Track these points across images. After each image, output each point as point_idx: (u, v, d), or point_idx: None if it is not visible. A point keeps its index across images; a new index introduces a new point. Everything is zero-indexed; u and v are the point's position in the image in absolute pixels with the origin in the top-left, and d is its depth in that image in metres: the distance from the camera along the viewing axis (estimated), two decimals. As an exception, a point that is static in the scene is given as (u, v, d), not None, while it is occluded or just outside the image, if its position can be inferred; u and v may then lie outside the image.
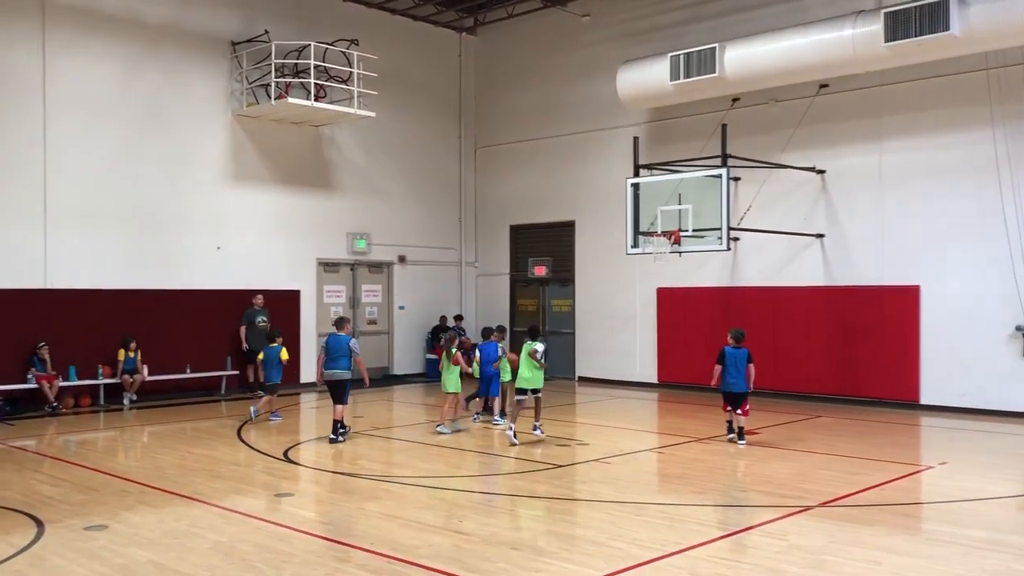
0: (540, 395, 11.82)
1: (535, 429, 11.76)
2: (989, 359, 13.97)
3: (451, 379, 12.55)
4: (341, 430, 11.82)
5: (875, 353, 15.12)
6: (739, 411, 11.38)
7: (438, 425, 12.46)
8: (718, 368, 11.56)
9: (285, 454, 10.88)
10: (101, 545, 6.90)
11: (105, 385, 15.29)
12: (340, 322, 12.50)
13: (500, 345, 13.26)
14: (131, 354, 15.35)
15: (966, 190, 14.26)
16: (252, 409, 13.56)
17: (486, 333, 13.71)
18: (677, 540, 6.95)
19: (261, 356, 14.11)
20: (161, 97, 16.28)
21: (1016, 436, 12.32)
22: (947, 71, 14.23)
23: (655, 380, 17.84)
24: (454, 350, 12.60)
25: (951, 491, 8.86)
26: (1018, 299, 13.65)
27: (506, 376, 13.04)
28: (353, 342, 12.08)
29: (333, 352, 11.97)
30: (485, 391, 13.34)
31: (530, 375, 11.59)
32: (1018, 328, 13.68)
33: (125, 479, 9.39)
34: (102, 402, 15.23)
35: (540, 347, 11.65)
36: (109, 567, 6.34)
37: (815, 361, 15.79)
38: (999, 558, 6.51)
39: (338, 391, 11.94)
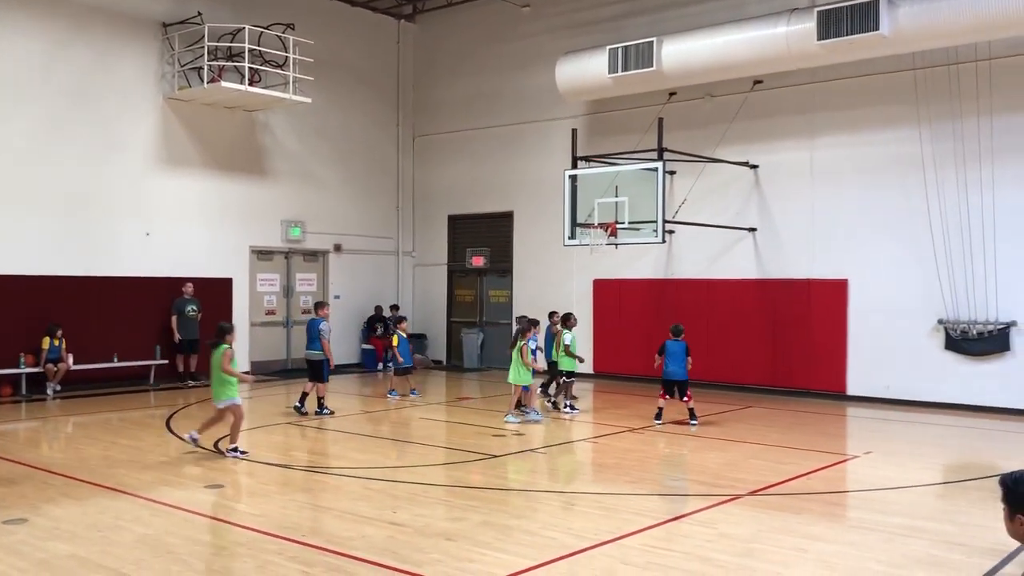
0: (569, 379, 13.40)
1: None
2: (912, 352, 14.41)
3: (521, 371, 12.44)
4: (326, 410, 12.91)
5: (804, 345, 15.48)
6: (684, 398, 12.23)
7: (528, 412, 12.52)
8: (659, 358, 12.40)
9: (216, 445, 10.66)
10: (20, 539, 6.68)
11: (27, 374, 14.79)
12: (316, 306, 13.58)
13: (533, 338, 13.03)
14: (56, 342, 14.88)
15: (893, 187, 14.66)
16: (393, 394, 14.93)
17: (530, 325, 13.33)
18: (610, 529, 7.01)
19: (396, 341, 14.72)
20: (88, 78, 15.77)
21: (937, 426, 12.74)
22: (877, 70, 14.60)
23: (591, 370, 17.96)
24: (521, 343, 12.49)
25: (874, 480, 9.11)
26: (940, 294, 14.10)
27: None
28: (323, 324, 12.96)
29: (308, 334, 13.14)
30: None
31: (569, 361, 13.25)
32: (940, 322, 14.14)
33: (47, 471, 9.10)
34: (24, 392, 14.72)
35: (568, 337, 13.26)
36: (28, 562, 6.14)
37: (747, 352, 16.08)
38: (919, 544, 6.72)
39: (314, 371, 12.96)
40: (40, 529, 6.96)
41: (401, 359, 14.66)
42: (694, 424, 12.06)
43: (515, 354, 12.52)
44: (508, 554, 6.36)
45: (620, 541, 6.69)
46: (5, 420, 12.91)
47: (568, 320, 13.61)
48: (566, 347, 13.28)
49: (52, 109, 15.31)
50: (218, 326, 10.26)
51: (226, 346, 9.87)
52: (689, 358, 12.24)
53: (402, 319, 15.40)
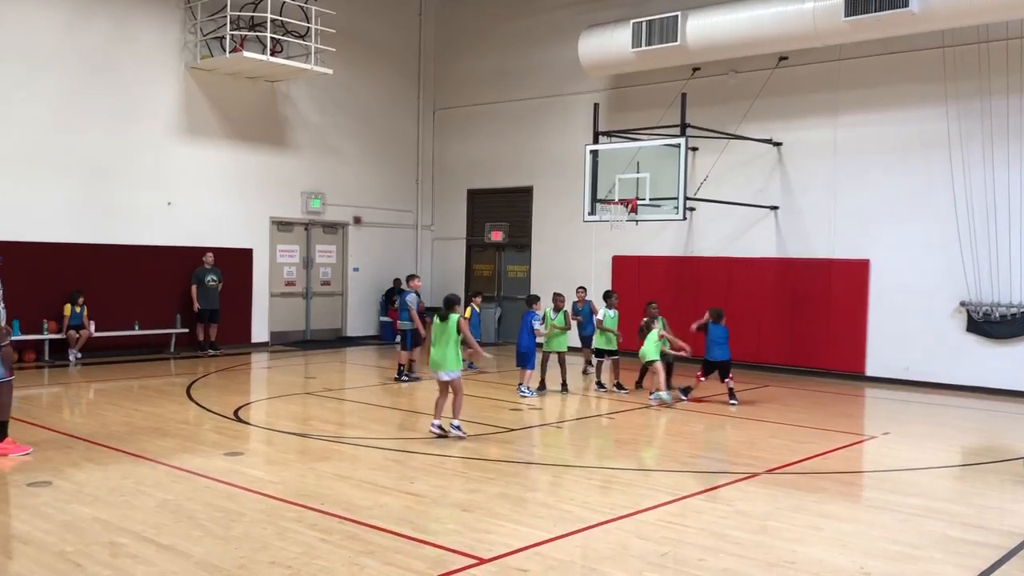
0: (609, 358, 13.31)
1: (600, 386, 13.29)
2: (933, 334, 14.31)
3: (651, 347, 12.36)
4: (403, 377, 13.57)
5: (824, 325, 15.39)
6: (728, 378, 12.23)
7: (651, 394, 12.25)
8: (695, 330, 12.55)
9: (235, 413, 10.78)
10: (44, 501, 6.79)
11: (50, 340, 14.97)
12: (408, 279, 14.20)
13: (539, 314, 12.85)
14: (77, 309, 15.04)
15: (918, 167, 14.50)
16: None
17: (530, 301, 13.05)
18: (626, 504, 7.04)
19: (468, 313, 14.79)
20: (110, 46, 15.81)
21: (956, 408, 12.67)
22: (904, 48, 14.40)
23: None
24: (658, 330, 12.41)
25: (891, 460, 9.09)
26: (963, 275, 13.97)
27: (559, 345, 13.06)
28: (410, 296, 13.53)
29: (399, 306, 13.88)
30: (520, 364, 12.73)
31: (604, 340, 13.19)
32: (962, 304, 14.02)
33: (70, 435, 9.23)
34: (47, 358, 14.93)
35: (611, 313, 13.26)
36: (52, 523, 6.24)
37: (766, 331, 16.02)
38: (935, 525, 6.70)
39: (402, 340, 13.71)
40: (64, 492, 7.07)
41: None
42: (734, 404, 12.01)
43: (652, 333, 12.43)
44: (524, 526, 6.40)
45: (635, 516, 6.72)
46: (29, 385, 13.07)
47: (610, 299, 13.55)
48: (598, 322, 13.19)
49: (74, 77, 15.36)
50: (448, 298, 9.61)
51: (457, 316, 9.35)
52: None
53: (478, 294, 15.51)
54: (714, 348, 12.23)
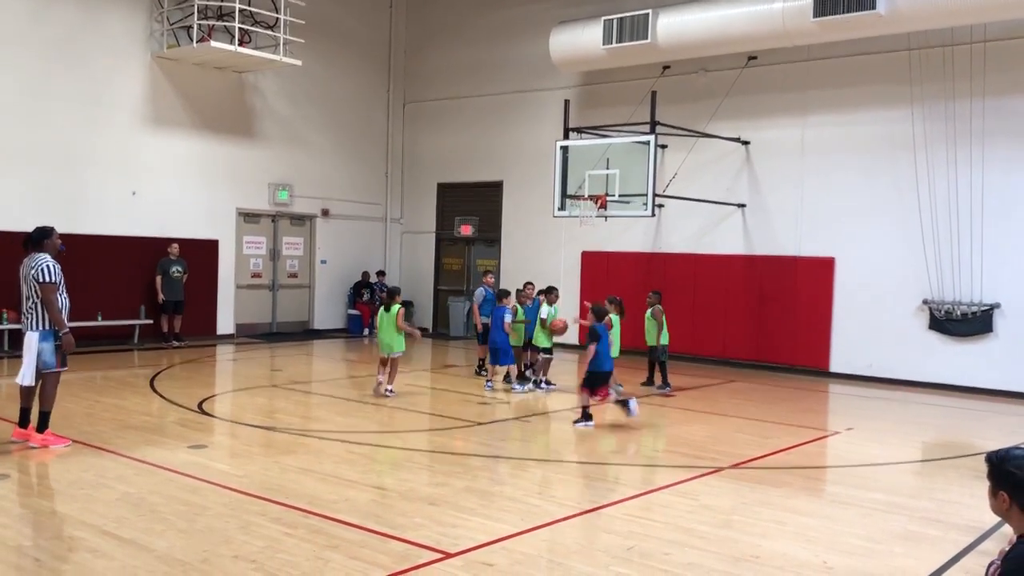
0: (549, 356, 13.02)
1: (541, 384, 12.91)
2: (896, 331, 14.51)
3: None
4: (483, 371, 13.67)
5: (789, 322, 15.56)
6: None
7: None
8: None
9: (200, 406, 10.66)
10: (2, 494, 6.66)
11: (10, 331, 14.70)
12: (483, 274, 15.02)
13: (510, 309, 12.72)
14: (38, 300, 14.77)
15: (883, 167, 14.68)
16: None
17: (501, 296, 12.90)
18: (592, 498, 7.07)
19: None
20: (76, 34, 15.53)
21: (918, 404, 12.86)
22: (871, 49, 14.56)
23: (576, 342, 18.02)
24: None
25: (855, 456, 9.20)
26: (926, 274, 14.18)
27: (517, 341, 12.93)
28: (477, 292, 14.05)
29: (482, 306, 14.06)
30: (496, 360, 12.60)
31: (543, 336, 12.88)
32: (925, 302, 14.23)
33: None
34: (6, 348, 14.66)
35: (546, 311, 12.87)
36: (9, 517, 6.13)
37: (732, 327, 16.15)
38: (897, 520, 6.80)
39: (482, 335, 13.84)
40: (23, 485, 6.95)
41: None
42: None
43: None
44: (491, 520, 6.40)
45: (601, 510, 6.75)
46: (-13, 376, 12.85)
47: (551, 294, 13.18)
48: (542, 321, 12.79)
49: (38, 65, 15.07)
50: (389, 289, 12.06)
51: (399, 306, 11.45)
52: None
53: (552, 290, 14.83)
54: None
